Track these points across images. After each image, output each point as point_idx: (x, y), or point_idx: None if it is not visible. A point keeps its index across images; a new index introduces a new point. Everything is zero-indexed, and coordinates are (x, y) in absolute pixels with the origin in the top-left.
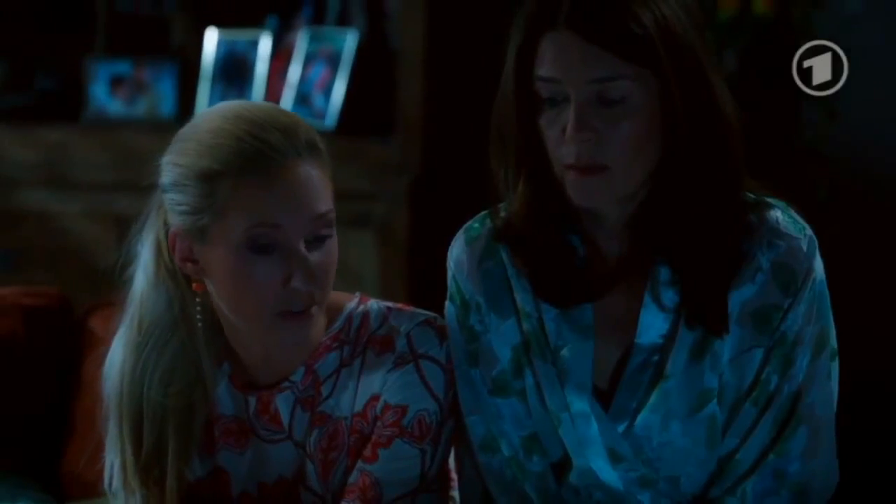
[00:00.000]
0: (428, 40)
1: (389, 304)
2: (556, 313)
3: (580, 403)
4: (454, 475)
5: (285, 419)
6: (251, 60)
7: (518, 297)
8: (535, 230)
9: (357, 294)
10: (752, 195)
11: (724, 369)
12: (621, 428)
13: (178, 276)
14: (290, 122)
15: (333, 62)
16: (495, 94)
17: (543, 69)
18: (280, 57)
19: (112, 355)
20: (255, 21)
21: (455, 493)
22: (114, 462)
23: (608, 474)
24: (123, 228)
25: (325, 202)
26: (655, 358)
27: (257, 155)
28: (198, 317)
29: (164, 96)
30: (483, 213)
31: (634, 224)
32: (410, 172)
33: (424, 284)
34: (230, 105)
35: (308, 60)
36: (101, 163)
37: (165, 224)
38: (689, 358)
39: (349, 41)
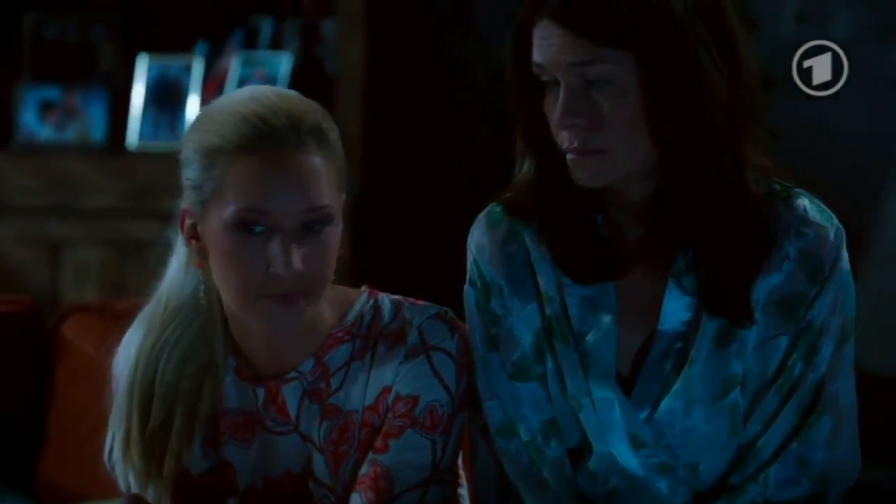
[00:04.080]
0: (367, 63)
1: (400, 297)
2: (579, 298)
3: (603, 389)
4: (462, 472)
5: (292, 410)
6: (184, 85)
7: (541, 281)
8: (545, 208)
9: (364, 287)
10: (779, 183)
11: (748, 356)
12: (643, 414)
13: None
14: (301, 109)
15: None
16: (432, 115)
17: (534, 55)
18: (213, 82)
19: (132, 331)
20: (184, 47)
21: (463, 491)
22: (116, 433)
23: (629, 460)
24: (56, 253)
25: (320, 195)
26: (678, 345)
27: (257, 136)
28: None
29: (94, 122)
30: (501, 198)
31: (654, 206)
32: (350, 193)
33: None
34: (255, 87)
35: (242, 84)
36: (33, 188)
37: None
38: (713, 344)
39: (284, 65)
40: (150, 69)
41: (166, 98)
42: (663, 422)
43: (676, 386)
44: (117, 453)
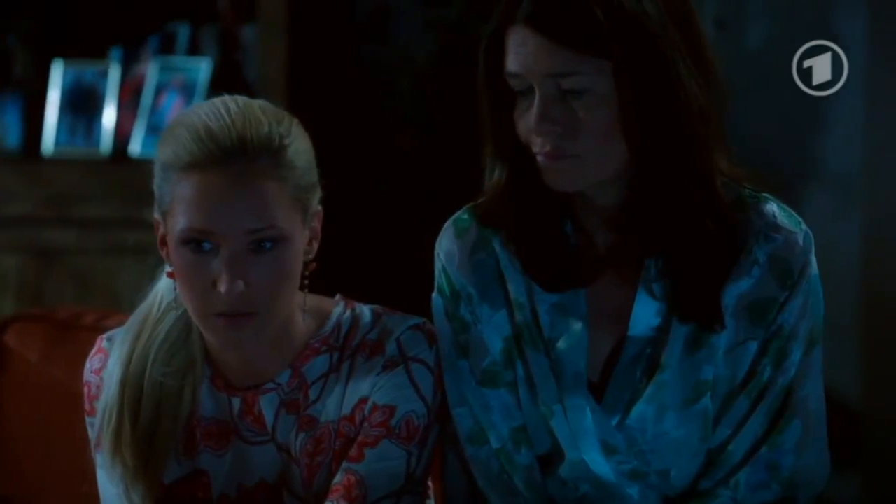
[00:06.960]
0: (287, 69)
1: (378, 308)
2: (550, 304)
3: (574, 395)
4: (430, 483)
5: (269, 421)
6: (100, 91)
7: (511, 288)
8: (515, 215)
9: (339, 297)
10: (748, 189)
11: (718, 361)
12: (614, 420)
13: None
14: (256, 125)
15: (187, 92)
16: (354, 122)
17: (508, 64)
18: (129, 87)
19: (124, 331)
20: (100, 53)
21: (430, 503)
22: (104, 432)
23: (601, 467)
24: None
25: (267, 215)
26: (648, 350)
27: (204, 154)
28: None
29: (9, 128)
30: (469, 205)
31: (625, 212)
32: None
33: None
34: (223, 98)
35: (160, 90)
36: None
37: None
38: (684, 350)
39: (203, 71)
40: (65, 75)
41: (82, 104)
42: (635, 428)
43: (647, 391)
44: (107, 452)
